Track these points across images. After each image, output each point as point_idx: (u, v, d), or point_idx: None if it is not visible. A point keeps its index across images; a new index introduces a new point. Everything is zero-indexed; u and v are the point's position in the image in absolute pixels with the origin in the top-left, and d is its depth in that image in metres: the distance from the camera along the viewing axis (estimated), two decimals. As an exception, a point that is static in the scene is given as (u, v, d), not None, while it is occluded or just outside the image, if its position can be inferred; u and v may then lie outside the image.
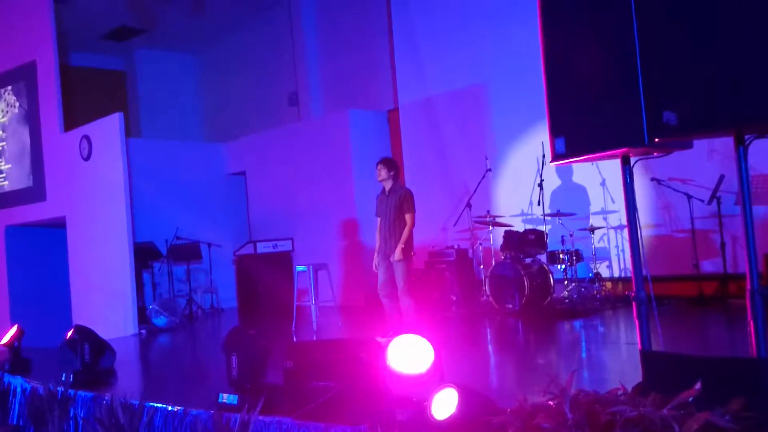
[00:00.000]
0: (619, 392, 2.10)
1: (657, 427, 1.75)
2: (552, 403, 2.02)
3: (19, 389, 5.51)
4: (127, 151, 8.72)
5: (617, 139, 2.73)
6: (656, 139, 2.57)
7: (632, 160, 3.00)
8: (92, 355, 5.41)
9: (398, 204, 6.24)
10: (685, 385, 2.11)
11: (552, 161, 3.06)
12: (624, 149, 2.80)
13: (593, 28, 2.79)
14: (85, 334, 5.49)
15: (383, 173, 6.33)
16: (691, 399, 1.90)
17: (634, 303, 2.98)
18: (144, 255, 9.64)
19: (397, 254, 6.13)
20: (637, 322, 2.97)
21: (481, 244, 8.70)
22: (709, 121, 2.36)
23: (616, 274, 8.15)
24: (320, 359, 4.08)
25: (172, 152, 11.40)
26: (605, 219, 8.14)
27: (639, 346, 2.95)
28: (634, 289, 2.98)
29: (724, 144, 6.84)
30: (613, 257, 8.17)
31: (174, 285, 10.33)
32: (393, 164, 6.40)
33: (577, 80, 2.87)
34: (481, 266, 8.59)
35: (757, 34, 2.23)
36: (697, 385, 1.94)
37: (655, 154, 2.94)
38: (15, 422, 5.43)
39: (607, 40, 2.72)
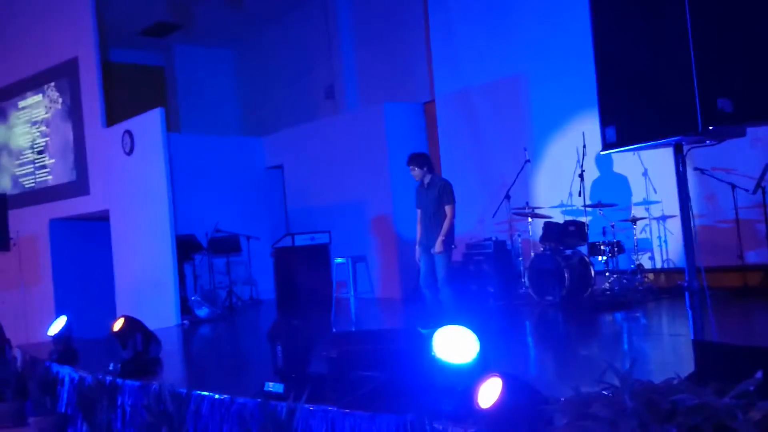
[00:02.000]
0: (675, 381, 2.08)
1: (719, 416, 1.74)
2: (607, 392, 2.02)
3: (67, 378, 5.63)
4: (168, 145, 8.85)
5: (670, 127, 2.69)
6: (710, 127, 2.53)
7: (684, 148, 2.96)
8: (143, 344, 5.52)
9: (438, 196, 6.23)
10: (740, 375, 2.08)
11: (603, 150, 3.03)
12: (677, 138, 2.76)
13: (645, 15, 2.76)
14: (134, 324, 5.60)
15: (417, 173, 6.32)
16: (752, 388, 1.88)
17: (686, 293, 2.95)
18: (185, 247, 9.78)
19: (438, 246, 6.13)
20: (690, 313, 2.94)
21: (519, 235, 8.64)
22: (765, 107, 2.32)
23: (659, 266, 8.04)
24: (364, 349, 4.10)
25: (211, 147, 11.53)
26: (647, 210, 8.02)
27: (692, 336, 2.92)
28: (687, 279, 2.95)
29: (770, 132, 6.71)
30: (656, 248, 8.06)
31: (214, 277, 10.47)
32: (422, 159, 6.36)
33: (628, 68, 2.83)
34: (520, 258, 8.54)
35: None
36: (758, 375, 1.92)
37: (708, 142, 2.90)
38: (64, 410, 5.57)
39: (659, 26, 2.68)
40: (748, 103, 2.36)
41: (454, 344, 3.56)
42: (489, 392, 2.79)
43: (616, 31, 2.89)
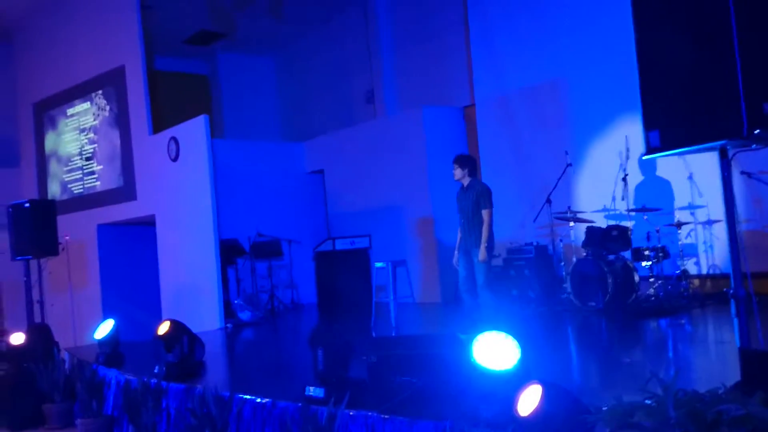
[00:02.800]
0: (720, 391, 2.04)
1: (766, 427, 1.70)
2: (650, 402, 1.99)
3: (113, 381, 5.75)
4: (212, 151, 9.00)
5: (715, 131, 2.65)
6: (756, 131, 2.48)
7: (730, 153, 2.91)
8: (187, 348, 5.61)
9: (475, 200, 6.21)
10: (789, 385, 2.04)
11: (646, 155, 2.98)
12: (722, 142, 2.71)
13: (689, 18, 2.72)
14: (179, 327, 5.70)
15: (458, 172, 6.32)
16: (800, 399, 1.83)
17: (732, 300, 2.89)
18: (228, 252, 9.91)
19: (481, 255, 6.11)
20: (736, 320, 2.88)
21: (561, 240, 8.56)
22: (814, 111, 2.27)
23: (705, 271, 7.87)
24: (404, 354, 4.11)
25: (253, 152, 11.68)
26: (692, 214, 7.86)
27: (738, 345, 2.85)
28: (733, 286, 2.89)
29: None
30: (701, 254, 7.89)
31: (257, 281, 10.59)
32: (467, 161, 6.36)
33: (671, 71, 2.79)
34: (562, 263, 8.46)
35: None
36: (807, 385, 1.87)
37: (754, 146, 2.84)
38: (110, 413, 5.68)
39: (703, 29, 2.64)
40: (795, 106, 2.31)
41: (495, 350, 3.54)
42: (529, 400, 2.77)
43: (659, 33, 2.85)
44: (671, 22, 2.81)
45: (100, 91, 11.15)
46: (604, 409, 2.16)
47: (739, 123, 2.52)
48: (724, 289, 2.88)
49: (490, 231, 6.21)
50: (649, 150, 2.94)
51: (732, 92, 2.53)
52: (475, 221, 6.23)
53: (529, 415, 2.62)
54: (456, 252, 6.44)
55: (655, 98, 2.88)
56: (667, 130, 2.82)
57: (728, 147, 2.85)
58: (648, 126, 2.88)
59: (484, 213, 6.19)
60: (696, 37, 2.69)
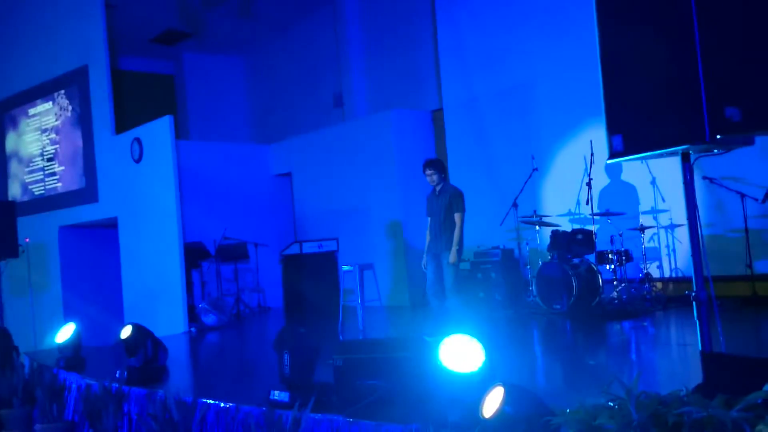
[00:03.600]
0: (682, 393, 2.06)
1: (727, 429, 1.71)
2: (613, 404, 2.00)
3: (74, 386, 5.64)
4: (176, 152, 8.89)
5: (677, 136, 2.68)
6: (718, 136, 2.51)
7: (692, 157, 2.94)
8: (150, 352, 5.53)
9: (448, 203, 6.24)
10: (748, 387, 2.06)
11: (609, 159, 3.01)
12: (684, 146, 2.75)
13: (652, 23, 2.75)
14: (142, 331, 5.62)
15: (435, 177, 6.32)
16: (759, 401, 1.86)
17: (694, 303, 2.92)
18: (193, 255, 9.79)
19: (452, 257, 6.13)
20: (697, 323, 2.91)
21: (527, 243, 8.62)
22: (774, 116, 2.31)
23: (667, 275, 8.00)
24: (370, 358, 4.09)
25: (219, 154, 11.57)
26: (655, 218, 7.99)
27: (700, 347, 2.89)
28: (695, 289, 2.93)
29: (781, 141, 6.66)
30: (664, 257, 8.02)
31: (222, 284, 10.48)
32: (441, 165, 6.40)
33: (635, 76, 2.82)
34: (528, 266, 8.52)
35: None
36: (767, 387, 1.90)
37: (716, 151, 2.88)
38: (70, 418, 5.57)
39: (666, 35, 2.67)
40: (756, 111, 2.34)
41: (461, 353, 3.55)
42: (492, 402, 2.77)
43: (622, 38, 2.88)
44: (635, 26, 2.84)
45: (62, 91, 10.95)
46: (568, 411, 2.17)
47: (701, 127, 2.55)
48: (686, 292, 2.91)
49: (461, 234, 6.23)
50: (612, 154, 2.97)
51: (694, 97, 2.56)
52: (446, 224, 6.25)
53: (491, 417, 2.61)
54: (425, 255, 6.44)
55: (618, 103, 2.91)
56: (630, 135, 2.84)
57: (690, 151, 2.88)
58: (611, 130, 2.90)
59: (457, 216, 6.22)
60: (659, 42, 2.72)
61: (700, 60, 2.52)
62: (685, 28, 2.57)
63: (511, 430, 2.46)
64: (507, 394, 2.62)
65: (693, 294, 2.88)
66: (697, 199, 7.40)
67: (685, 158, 2.92)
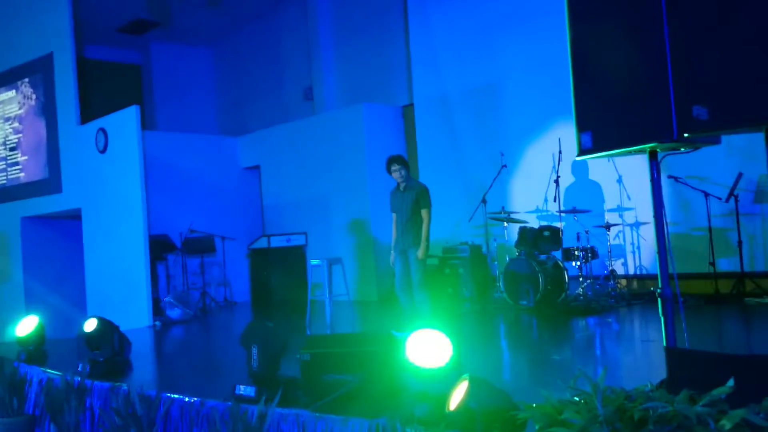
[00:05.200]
0: (647, 388, 2.08)
1: (691, 424, 1.73)
2: (579, 399, 2.01)
3: (35, 379, 5.53)
4: (142, 143, 8.75)
5: (645, 133, 2.71)
6: (685, 134, 2.54)
7: (659, 155, 2.98)
8: (114, 345, 5.46)
9: (415, 199, 6.23)
10: (712, 382, 2.09)
11: (579, 156, 3.03)
12: (652, 144, 2.78)
13: (622, 22, 2.77)
14: (105, 325, 5.54)
15: (402, 173, 6.29)
16: (723, 396, 1.88)
17: (659, 300, 2.96)
18: (159, 247, 9.68)
19: (421, 254, 6.14)
20: (662, 319, 2.95)
21: (495, 240, 8.67)
22: (740, 116, 2.34)
23: (631, 272, 8.11)
24: (338, 352, 4.08)
25: (187, 145, 11.43)
26: (621, 216, 8.09)
27: (664, 343, 2.93)
28: (660, 286, 2.96)
29: (743, 141, 6.79)
30: (629, 254, 8.13)
31: (188, 278, 10.37)
32: (406, 161, 6.37)
33: (604, 75, 2.84)
34: (495, 262, 8.57)
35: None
36: (731, 382, 1.92)
37: (683, 149, 2.91)
38: (31, 412, 5.46)
39: (636, 33, 2.69)
40: (723, 110, 2.37)
41: (428, 348, 3.55)
42: (457, 395, 2.78)
43: (593, 37, 2.90)
44: (605, 25, 2.86)
45: (26, 79, 10.71)
46: (534, 405, 2.18)
47: (669, 126, 2.58)
48: (651, 289, 2.95)
49: (429, 230, 6.24)
50: (581, 151, 2.99)
51: (663, 95, 2.58)
52: (413, 220, 6.24)
53: (454, 411, 2.62)
54: (392, 251, 6.43)
55: (588, 100, 2.93)
56: (599, 132, 2.86)
57: (658, 150, 2.91)
58: (581, 127, 2.92)
59: (424, 213, 6.21)
60: (629, 41, 2.75)
61: (669, 59, 2.54)
62: (654, 28, 2.59)
63: (475, 424, 2.47)
64: (472, 388, 2.63)
65: (658, 291, 2.91)
66: (663, 198, 7.50)
67: (653, 156, 2.95)
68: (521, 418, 2.19)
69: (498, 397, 2.63)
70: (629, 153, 2.95)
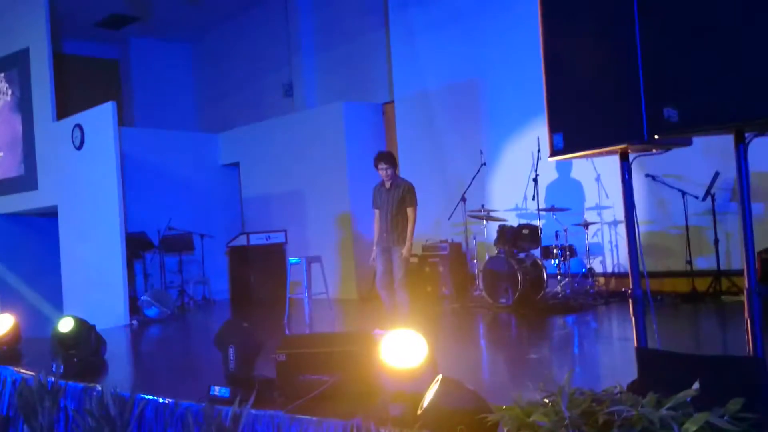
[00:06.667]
0: (616, 390, 2.09)
1: (655, 428, 1.74)
2: (548, 401, 2.01)
3: (9, 380, 5.46)
4: (119, 140, 8.66)
5: (616, 135, 2.71)
6: (656, 136, 2.55)
7: (631, 156, 2.98)
8: (89, 345, 5.40)
9: (401, 197, 6.20)
10: (682, 383, 2.10)
11: (550, 157, 3.03)
12: (623, 145, 2.78)
13: (594, 22, 2.77)
14: (81, 324, 5.49)
15: (390, 171, 6.26)
16: (689, 399, 1.89)
17: (630, 300, 2.97)
18: (136, 245, 9.59)
19: (406, 252, 6.12)
20: (633, 320, 2.96)
21: (475, 238, 8.69)
22: (710, 118, 2.34)
23: (610, 270, 8.16)
24: (314, 352, 4.05)
25: (165, 142, 11.34)
26: (599, 214, 8.14)
27: (635, 344, 2.94)
28: (631, 286, 2.97)
29: (720, 141, 6.83)
30: (607, 252, 8.18)
31: (166, 276, 10.28)
32: (394, 159, 6.34)
33: (576, 76, 2.84)
34: (475, 260, 8.59)
35: (761, 32, 2.22)
36: (695, 386, 1.93)
37: (654, 150, 2.92)
38: (5, 413, 5.39)
39: (608, 34, 2.69)
40: (694, 112, 2.38)
41: (403, 348, 3.54)
42: (429, 396, 2.78)
43: (565, 37, 2.90)
44: (577, 26, 2.86)
45: (2, 74, 10.57)
46: (504, 408, 2.18)
47: (639, 127, 2.59)
48: (623, 289, 2.96)
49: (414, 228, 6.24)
50: (553, 152, 2.99)
51: (634, 97, 2.58)
52: (398, 218, 6.22)
53: (427, 412, 2.61)
54: (374, 248, 6.40)
55: (560, 101, 2.93)
56: (571, 133, 2.86)
57: (629, 150, 2.92)
58: (553, 128, 2.92)
59: (410, 211, 6.20)
60: (600, 42, 2.75)
61: (641, 60, 2.55)
62: (626, 29, 2.59)
63: (447, 425, 2.46)
64: (444, 389, 2.62)
65: (629, 291, 2.92)
66: (639, 197, 7.54)
67: (624, 157, 2.96)
68: (490, 420, 2.19)
69: (469, 397, 2.63)
70: (600, 154, 2.96)
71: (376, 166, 6.29)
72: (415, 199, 6.24)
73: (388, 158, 6.25)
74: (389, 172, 6.24)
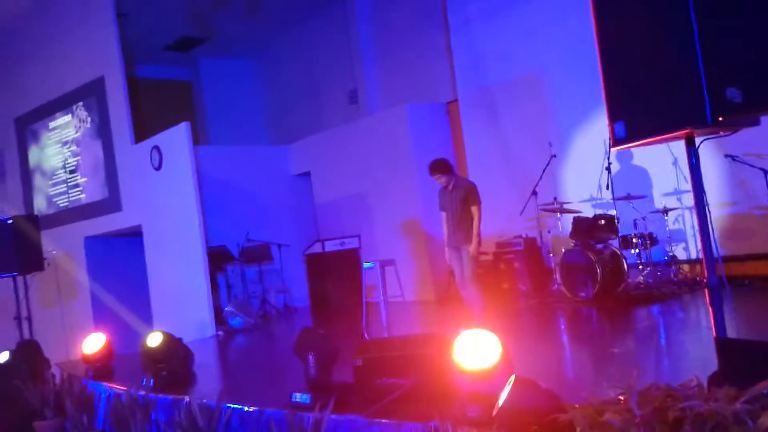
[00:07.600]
0: (693, 384, 2.02)
1: (728, 423, 1.67)
2: (622, 399, 1.96)
3: (103, 395, 5.71)
4: (195, 158, 8.94)
5: (679, 120, 2.62)
6: (720, 118, 2.45)
7: (698, 140, 2.88)
8: (177, 358, 5.60)
9: (464, 197, 6.21)
10: (764, 374, 2.01)
11: (613, 147, 2.96)
12: (687, 130, 2.69)
13: (648, 7, 2.69)
14: (169, 338, 5.70)
15: (444, 179, 6.28)
16: (766, 391, 1.81)
17: (706, 289, 2.87)
18: (217, 258, 9.86)
19: (473, 250, 6.12)
20: (710, 309, 2.86)
21: (549, 231, 8.53)
22: (776, 96, 2.25)
23: (694, 256, 7.85)
24: (389, 356, 4.09)
25: (238, 157, 11.64)
26: (679, 199, 7.85)
27: (713, 334, 2.83)
28: (706, 275, 2.87)
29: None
30: (690, 238, 7.88)
31: (247, 286, 10.55)
32: (446, 166, 6.32)
33: (633, 62, 2.76)
34: (551, 254, 8.43)
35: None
36: (776, 376, 1.85)
37: (722, 132, 2.81)
38: (101, 427, 5.64)
39: (663, 17, 2.61)
40: (758, 91, 2.28)
41: (476, 349, 3.52)
42: (503, 396, 2.76)
43: (619, 24, 2.82)
44: (631, 11, 2.78)
45: (80, 103, 11.08)
46: (577, 406, 2.14)
47: (702, 110, 2.49)
48: (698, 278, 2.86)
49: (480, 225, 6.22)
50: (615, 141, 2.91)
51: (694, 79, 2.49)
52: (463, 218, 6.23)
53: (502, 413, 2.60)
54: (447, 249, 6.43)
55: (618, 89, 2.85)
56: (632, 121, 2.78)
57: (694, 135, 2.82)
58: (613, 117, 2.85)
59: (474, 209, 6.20)
60: (656, 26, 2.66)
61: (698, 41, 2.45)
62: (681, 10, 2.51)
63: (521, 425, 2.44)
64: (517, 389, 2.60)
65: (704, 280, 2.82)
66: (718, 178, 7.25)
67: (690, 142, 2.86)
68: (563, 420, 2.16)
69: (544, 397, 2.59)
70: (666, 140, 2.87)
71: (431, 176, 6.33)
72: (477, 197, 6.21)
73: (440, 167, 6.26)
74: (443, 179, 6.27)
